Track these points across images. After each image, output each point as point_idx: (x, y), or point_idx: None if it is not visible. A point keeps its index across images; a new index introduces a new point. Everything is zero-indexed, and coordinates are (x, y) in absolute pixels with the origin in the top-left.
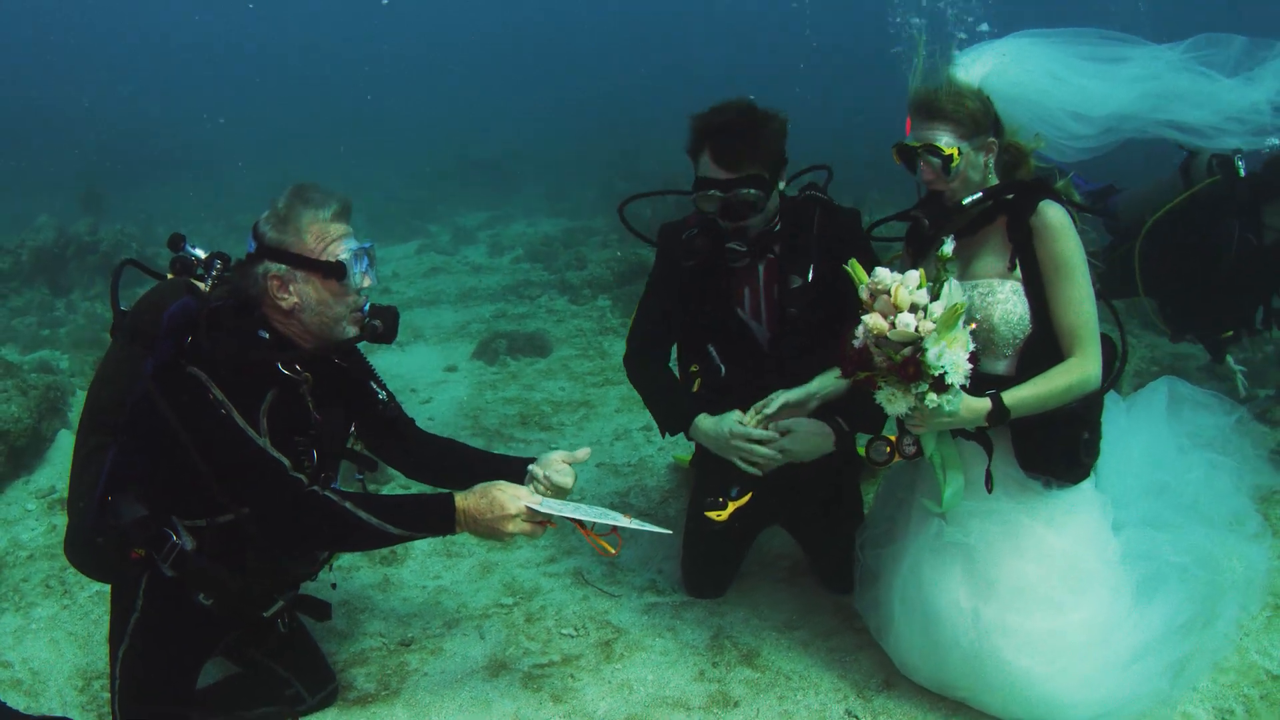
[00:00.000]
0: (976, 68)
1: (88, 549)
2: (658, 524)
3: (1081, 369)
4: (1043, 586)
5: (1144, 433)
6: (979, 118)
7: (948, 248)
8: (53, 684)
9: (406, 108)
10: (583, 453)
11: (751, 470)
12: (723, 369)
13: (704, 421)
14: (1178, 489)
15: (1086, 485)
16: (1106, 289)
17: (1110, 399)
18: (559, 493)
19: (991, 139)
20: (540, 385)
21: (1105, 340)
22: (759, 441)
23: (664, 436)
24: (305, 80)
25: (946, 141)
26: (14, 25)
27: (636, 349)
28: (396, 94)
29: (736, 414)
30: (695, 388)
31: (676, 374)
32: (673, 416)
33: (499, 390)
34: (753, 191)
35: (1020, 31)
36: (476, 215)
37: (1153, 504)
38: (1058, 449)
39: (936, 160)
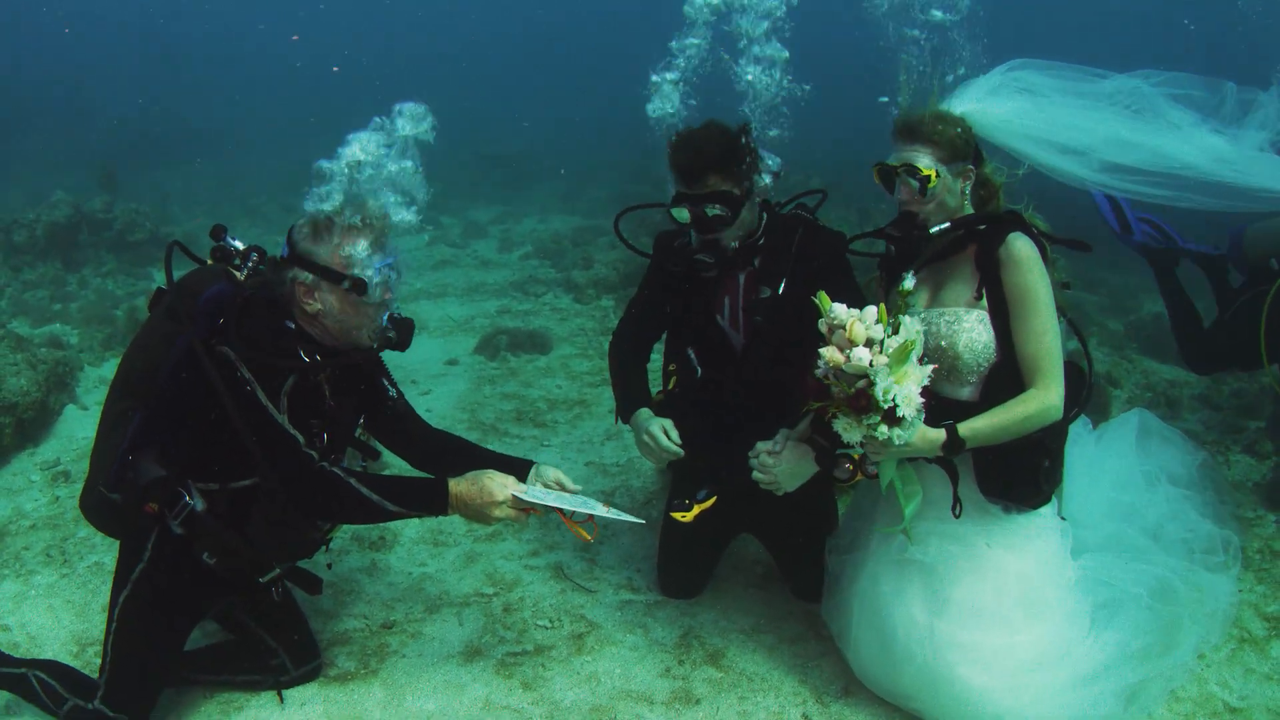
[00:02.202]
0: (968, 100)
1: (104, 504)
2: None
3: (1040, 400)
4: (998, 606)
5: (1113, 460)
6: (959, 144)
7: (908, 283)
8: (49, 649)
9: (427, 101)
10: (574, 488)
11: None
12: (699, 371)
13: (640, 414)
14: (1143, 514)
15: (1047, 511)
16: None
17: (1081, 425)
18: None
19: (970, 166)
20: (538, 382)
21: (1073, 368)
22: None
23: (616, 423)
24: (324, 70)
25: (925, 163)
26: (37, 7)
27: (619, 339)
28: (418, 88)
29: (667, 422)
30: (671, 385)
31: (663, 369)
32: (624, 406)
33: (497, 385)
34: (718, 208)
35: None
36: (489, 210)
37: (1118, 526)
38: (1018, 476)
39: (914, 181)
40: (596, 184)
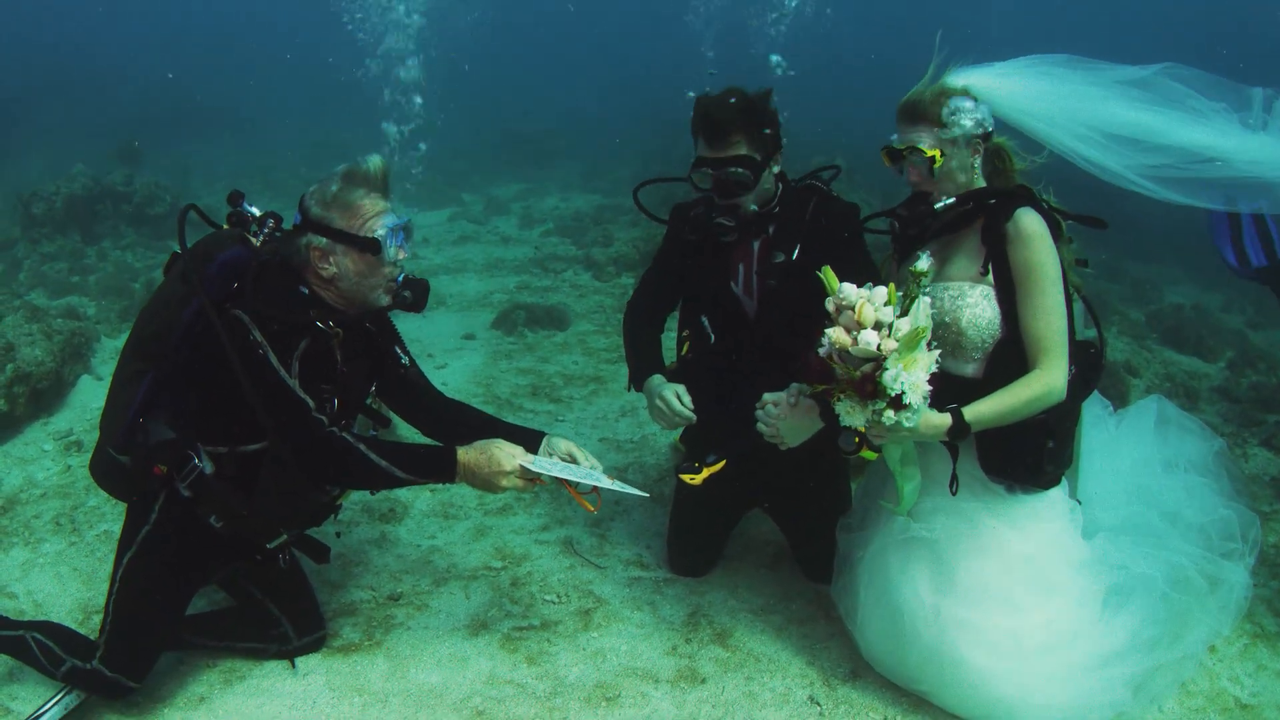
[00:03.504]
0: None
1: (113, 467)
2: (650, 498)
3: (1045, 381)
4: (1003, 586)
5: (1131, 445)
6: (963, 119)
7: (923, 263)
8: (55, 616)
9: (454, 78)
10: (589, 460)
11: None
12: (712, 338)
13: (653, 380)
14: (1161, 498)
15: (1055, 493)
16: None
17: (1101, 408)
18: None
19: (977, 140)
20: (555, 358)
21: (1085, 347)
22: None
23: (628, 390)
24: (348, 47)
25: (929, 144)
26: None
27: (633, 309)
28: (445, 64)
29: (679, 387)
30: (685, 351)
31: (677, 337)
32: (637, 373)
33: (514, 360)
34: (741, 170)
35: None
36: (511, 187)
37: (1137, 509)
38: (1021, 457)
39: (921, 162)
40: (620, 163)
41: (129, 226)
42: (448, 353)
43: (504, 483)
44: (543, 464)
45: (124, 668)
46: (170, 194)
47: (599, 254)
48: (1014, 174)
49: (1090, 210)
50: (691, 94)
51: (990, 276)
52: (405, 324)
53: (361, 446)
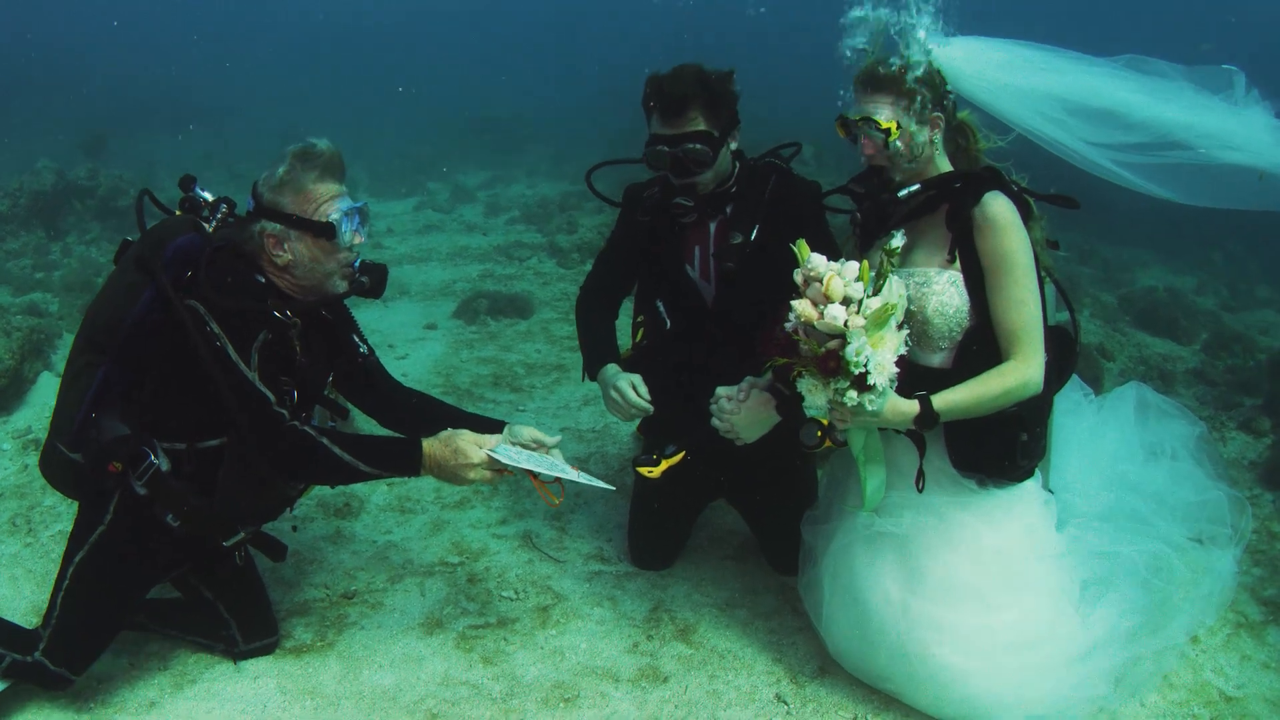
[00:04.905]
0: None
1: (65, 464)
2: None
3: (1019, 373)
4: (975, 582)
5: (1112, 432)
6: (923, 91)
7: (897, 240)
8: (8, 618)
9: (419, 64)
10: (553, 440)
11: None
12: (668, 322)
13: (608, 369)
14: (1144, 483)
15: (1029, 485)
16: None
17: (1080, 394)
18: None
19: (937, 114)
20: (517, 347)
21: (1059, 334)
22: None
23: (583, 379)
24: (316, 35)
25: (886, 115)
26: None
27: (586, 295)
28: (409, 51)
29: (635, 377)
30: (640, 338)
31: (632, 324)
32: (591, 361)
33: (475, 350)
34: (698, 147)
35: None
36: (478, 175)
37: (1118, 495)
38: (992, 451)
39: (877, 134)
40: (587, 150)
41: (94, 221)
42: (409, 343)
43: (471, 475)
44: (509, 454)
45: (69, 662)
46: (134, 187)
47: (563, 241)
48: (979, 153)
49: (1059, 190)
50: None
51: (957, 264)
52: (366, 314)
53: (325, 440)
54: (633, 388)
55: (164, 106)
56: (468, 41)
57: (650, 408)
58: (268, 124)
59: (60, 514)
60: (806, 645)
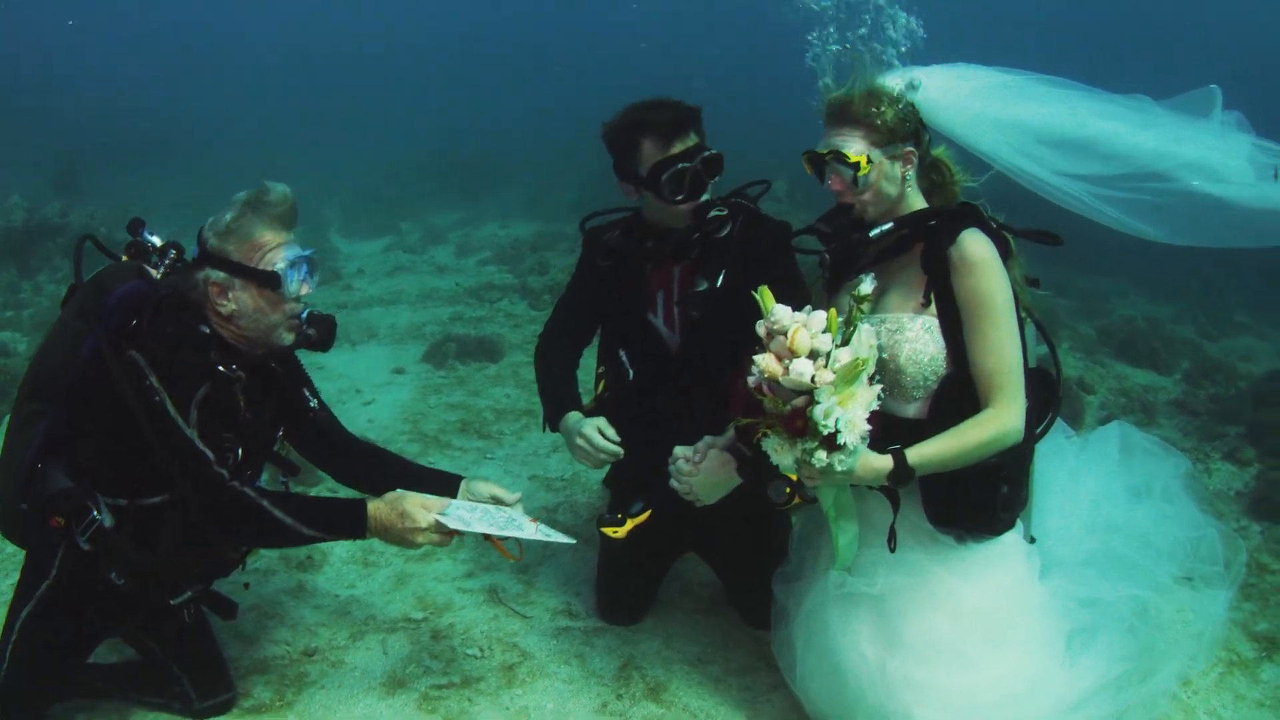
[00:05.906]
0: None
1: (15, 513)
2: (580, 541)
3: (998, 422)
4: (954, 640)
5: (1095, 474)
6: (895, 125)
7: (866, 286)
8: None
9: (391, 104)
10: (512, 497)
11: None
12: (630, 373)
13: (570, 417)
14: (1130, 526)
15: (1009, 537)
16: None
17: (1062, 435)
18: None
19: (909, 149)
20: (486, 391)
21: (1040, 376)
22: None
23: (544, 430)
24: (290, 72)
25: (856, 149)
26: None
27: (546, 341)
28: (382, 89)
29: (600, 420)
30: (600, 389)
31: (595, 374)
32: (552, 411)
33: (444, 395)
34: (714, 151)
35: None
36: (450, 215)
37: (1102, 538)
38: (971, 504)
39: (846, 170)
40: (561, 189)
41: (65, 259)
42: (376, 388)
43: (419, 539)
44: (460, 516)
45: (17, 715)
46: (106, 225)
47: (535, 282)
48: (955, 190)
49: (1035, 224)
50: None
51: (933, 307)
52: (333, 357)
53: (265, 503)
54: (599, 432)
55: (139, 140)
56: (443, 77)
57: (620, 451)
58: (241, 163)
59: (19, 563)
60: (783, 701)
